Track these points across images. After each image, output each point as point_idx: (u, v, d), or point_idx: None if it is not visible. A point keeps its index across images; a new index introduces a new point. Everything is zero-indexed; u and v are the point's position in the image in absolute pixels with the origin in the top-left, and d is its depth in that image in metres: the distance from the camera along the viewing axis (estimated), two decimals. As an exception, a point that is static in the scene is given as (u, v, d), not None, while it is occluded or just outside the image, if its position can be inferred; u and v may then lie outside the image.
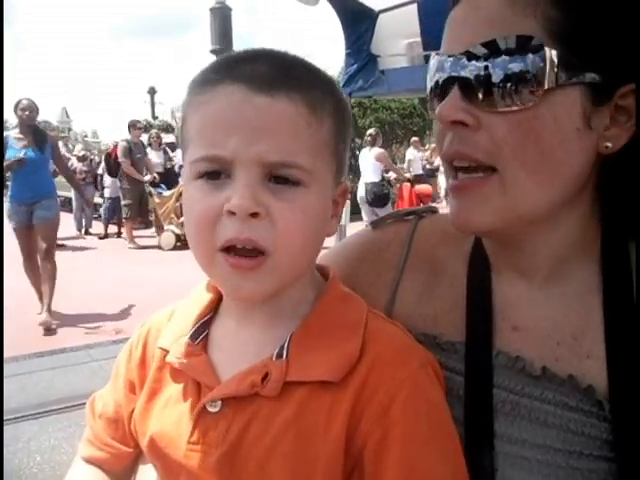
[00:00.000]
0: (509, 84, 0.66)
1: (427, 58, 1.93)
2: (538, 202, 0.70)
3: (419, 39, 1.82)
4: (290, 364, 0.69)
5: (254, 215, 0.63)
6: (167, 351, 0.78)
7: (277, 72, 0.66)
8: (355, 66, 1.86)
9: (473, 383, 0.76)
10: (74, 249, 11.21)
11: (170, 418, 0.75)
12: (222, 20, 8.97)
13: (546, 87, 0.65)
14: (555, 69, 0.65)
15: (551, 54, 0.65)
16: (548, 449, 0.71)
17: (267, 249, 0.65)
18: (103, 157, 13.24)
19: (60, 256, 10.29)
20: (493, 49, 0.66)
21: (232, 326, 0.77)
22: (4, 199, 5.89)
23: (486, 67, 0.67)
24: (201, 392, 0.73)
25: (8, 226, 5.89)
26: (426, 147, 16.11)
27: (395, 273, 0.89)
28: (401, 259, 0.90)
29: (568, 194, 0.71)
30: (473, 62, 0.67)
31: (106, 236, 12.19)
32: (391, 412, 0.65)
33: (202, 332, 0.78)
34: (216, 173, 0.66)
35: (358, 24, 1.87)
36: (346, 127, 0.75)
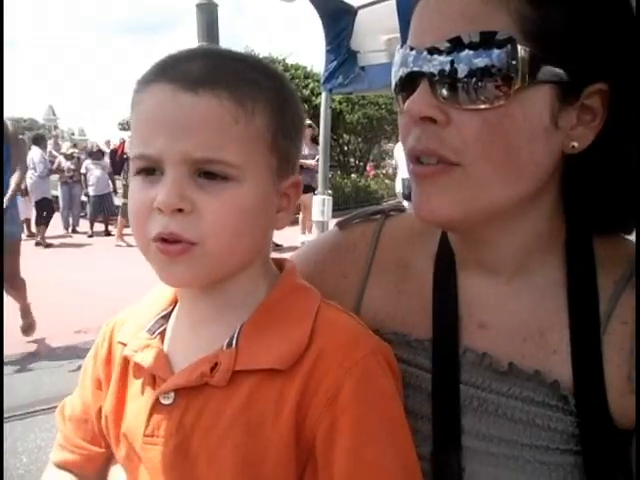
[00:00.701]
0: (479, 81, 0.65)
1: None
2: (501, 197, 0.70)
3: (398, 35, 1.82)
4: (239, 353, 0.70)
5: (180, 210, 0.65)
6: (125, 345, 0.79)
7: (206, 70, 0.67)
8: (335, 62, 1.86)
9: (440, 380, 0.77)
10: (62, 247, 11.16)
11: (131, 413, 0.76)
12: (208, 16, 8.91)
13: (517, 86, 0.65)
14: (526, 67, 0.64)
15: (522, 52, 0.64)
16: (515, 444, 0.72)
17: (195, 241, 0.66)
18: (108, 153, 13.24)
19: (48, 254, 10.25)
20: (463, 44, 0.65)
21: (184, 318, 0.78)
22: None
23: (455, 63, 0.66)
24: (156, 385, 0.74)
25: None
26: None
27: (362, 273, 0.89)
28: (368, 259, 0.89)
29: (532, 190, 0.71)
30: (443, 57, 0.66)
31: (92, 235, 12.14)
32: (339, 400, 0.66)
33: (160, 326, 0.79)
34: (151, 169, 0.67)
35: (337, 20, 1.87)
36: (290, 122, 0.74)
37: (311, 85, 18.45)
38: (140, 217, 0.68)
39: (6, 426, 3.69)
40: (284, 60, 19.45)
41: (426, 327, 0.80)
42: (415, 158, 0.71)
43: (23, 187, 11.29)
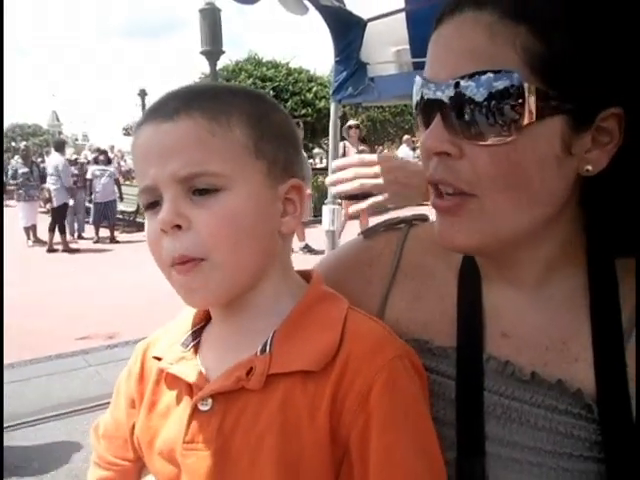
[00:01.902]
0: (488, 119, 0.66)
1: (415, 65, 1.97)
2: (517, 225, 0.72)
3: (407, 46, 1.84)
4: (273, 358, 0.72)
5: (178, 227, 0.70)
6: (160, 359, 0.82)
7: (181, 102, 0.73)
8: (344, 74, 1.89)
9: (464, 387, 0.78)
10: (69, 252, 11.20)
11: (168, 424, 0.79)
12: (211, 21, 8.95)
13: (525, 122, 0.65)
14: (534, 103, 0.65)
15: (530, 89, 0.65)
16: (539, 451, 0.73)
17: (201, 256, 0.70)
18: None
19: (53, 260, 10.28)
20: (474, 82, 0.66)
21: (219, 330, 0.81)
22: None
23: (466, 100, 0.67)
24: (193, 394, 0.76)
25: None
26: (418, 145, 16.10)
27: (386, 281, 0.90)
28: (392, 268, 0.91)
29: (548, 215, 0.73)
30: (455, 93, 0.67)
31: (98, 240, 12.18)
32: (370, 400, 0.68)
33: (194, 339, 0.83)
34: (155, 202, 0.73)
35: (347, 32, 1.89)
36: (276, 128, 0.78)
37: (315, 88, 18.46)
38: (154, 246, 0.73)
39: (17, 433, 3.72)
40: (287, 64, 19.47)
41: (448, 334, 0.81)
42: (434, 186, 0.74)
43: (47, 195, 11.35)
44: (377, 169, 1.45)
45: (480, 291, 0.83)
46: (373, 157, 1.53)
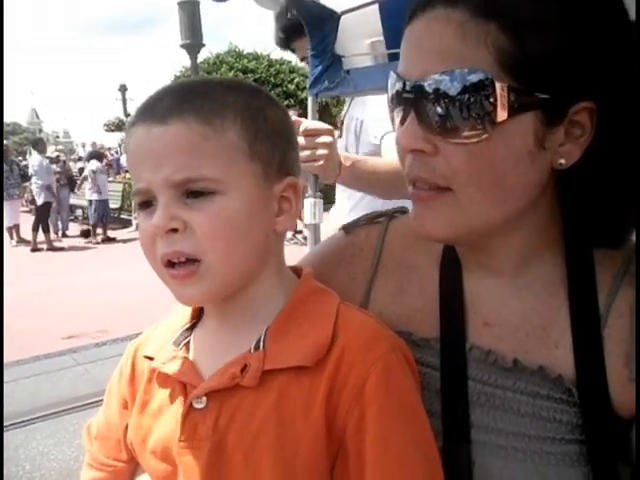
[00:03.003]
0: (461, 118, 0.67)
1: (391, 56, 1.97)
2: (491, 218, 0.73)
3: (382, 38, 1.85)
4: (267, 354, 0.73)
5: (174, 230, 0.71)
6: (152, 359, 0.83)
7: (174, 102, 0.73)
8: (320, 67, 1.89)
9: (449, 377, 0.80)
10: (54, 251, 11.11)
11: (162, 423, 0.79)
12: (190, 14, 8.87)
13: (498, 121, 0.66)
14: (506, 101, 0.65)
15: (502, 87, 0.65)
16: (523, 436, 0.75)
17: (196, 256, 0.71)
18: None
19: (38, 259, 10.20)
20: (445, 82, 0.67)
21: (211, 328, 0.82)
22: None
23: (439, 99, 0.67)
24: (187, 392, 0.77)
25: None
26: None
27: (368, 275, 0.92)
28: (374, 261, 0.92)
29: (522, 208, 0.74)
30: (427, 91, 0.68)
31: (98, 241, 11.99)
32: (365, 392, 0.70)
33: (185, 338, 0.83)
34: (148, 202, 0.73)
35: (321, 26, 1.89)
36: (270, 127, 0.77)
37: (296, 79, 18.35)
38: (147, 246, 0.74)
39: (7, 434, 3.71)
40: (268, 55, 19.34)
41: (431, 325, 0.83)
42: (411, 181, 0.76)
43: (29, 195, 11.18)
44: (318, 140, 1.49)
45: (461, 281, 0.84)
46: (317, 125, 1.55)
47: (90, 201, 12.12)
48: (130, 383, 0.87)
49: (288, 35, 2.22)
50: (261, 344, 0.75)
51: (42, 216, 11.17)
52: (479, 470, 0.76)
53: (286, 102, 16.92)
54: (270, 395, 0.72)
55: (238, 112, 0.74)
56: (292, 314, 0.77)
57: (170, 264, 0.72)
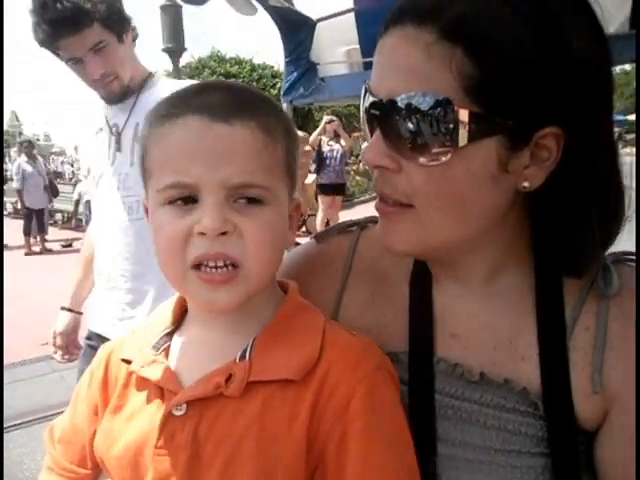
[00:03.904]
0: (424, 139, 0.67)
1: (366, 65, 1.98)
2: (453, 237, 0.74)
3: (357, 46, 1.86)
4: (253, 365, 0.73)
5: (224, 233, 0.69)
6: (130, 362, 0.81)
7: (231, 101, 0.72)
8: (295, 74, 1.90)
9: (416, 391, 0.80)
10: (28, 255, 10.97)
11: (136, 428, 0.77)
12: (172, 18, 8.84)
13: (459, 145, 0.66)
14: (468, 126, 0.66)
15: (464, 112, 0.65)
16: (489, 450, 0.76)
17: (238, 260, 0.70)
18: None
19: (13, 264, 10.06)
20: (410, 104, 0.67)
21: (196, 334, 0.81)
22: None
23: (403, 119, 0.68)
24: (165, 398, 0.76)
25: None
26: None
27: (339, 285, 0.91)
28: (344, 271, 0.92)
29: (486, 226, 0.75)
30: (392, 111, 0.68)
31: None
32: (349, 410, 0.70)
33: (165, 343, 0.82)
34: (183, 198, 0.71)
35: (296, 33, 1.90)
36: (296, 147, 0.79)
37: (279, 84, 18.38)
38: (177, 245, 0.71)
39: (-20, 443, 3.64)
40: (251, 60, 19.36)
41: (400, 339, 0.83)
42: (377, 195, 0.76)
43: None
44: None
45: (431, 293, 0.84)
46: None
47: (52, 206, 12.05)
48: (102, 387, 0.85)
49: (56, 30, 1.74)
50: (247, 354, 0.74)
51: (38, 219, 11.11)
52: None
53: (269, 107, 16.91)
54: (253, 406, 0.72)
55: (285, 128, 0.76)
56: (280, 327, 0.77)
57: (199, 267, 0.70)
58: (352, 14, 1.79)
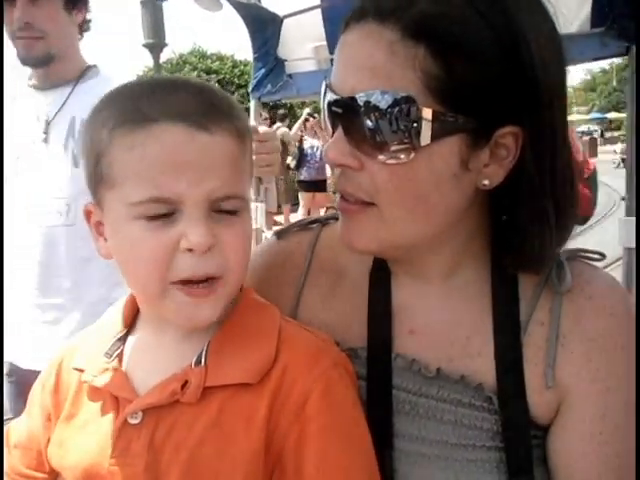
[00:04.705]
0: (386, 138, 0.67)
1: (333, 61, 1.97)
2: (414, 234, 0.74)
3: (324, 43, 1.86)
4: (209, 370, 0.72)
5: (209, 248, 0.67)
6: (82, 371, 0.79)
7: (206, 106, 0.69)
8: (263, 70, 1.90)
9: (374, 386, 0.80)
10: None
11: (90, 437, 0.76)
12: (153, 12, 8.75)
13: (422, 143, 0.67)
14: (431, 125, 0.66)
15: (427, 111, 0.65)
16: (445, 444, 0.76)
17: (221, 273, 0.69)
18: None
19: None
20: (372, 102, 0.66)
21: (149, 339, 0.79)
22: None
23: (366, 117, 0.67)
24: (119, 406, 0.74)
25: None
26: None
27: (298, 282, 0.91)
28: (304, 268, 0.92)
29: (447, 223, 0.75)
30: (353, 109, 0.68)
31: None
32: (306, 409, 0.69)
33: (117, 349, 0.80)
34: (164, 215, 0.67)
35: (263, 29, 1.90)
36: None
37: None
38: (160, 261, 0.67)
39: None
40: (233, 56, 19.26)
41: (359, 335, 0.83)
42: (339, 193, 0.76)
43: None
44: (269, 145, 1.47)
45: (390, 289, 0.85)
46: (266, 132, 1.55)
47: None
48: (54, 395, 0.83)
49: None
50: (202, 359, 0.72)
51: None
52: (401, 478, 0.77)
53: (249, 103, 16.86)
54: (210, 410, 0.71)
55: (249, 130, 0.74)
56: (234, 329, 0.76)
57: (184, 282, 0.68)
58: (319, 10, 1.79)
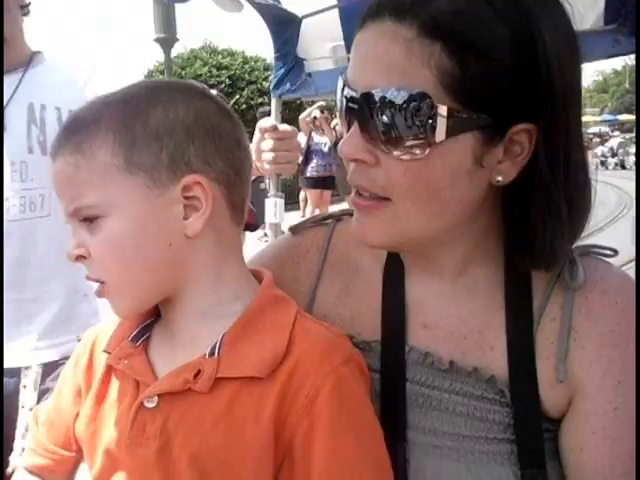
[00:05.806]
0: (401, 134, 0.69)
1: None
2: (427, 229, 0.77)
3: (342, 42, 1.89)
4: (221, 361, 0.75)
5: (83, 257, 0.77)
6: (109, 353, 0.84)
7: (60, 136, 0.78)
8: (283, 69, 1.94)
9: (388, 379, 0.83)
10: None
11: (111, 417, 0.81)
12: (165, 7, 8.74)
13: (437, 140, 0.68)
14: (446, 121, 0.67)
15: (442, 108, 0.67)
16: (457, 436, 0.79)
17: (99, 279, 0.78)
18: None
19: None
20: (388, 98, 0.68)
21: (168, 328, 0.84)
22: None
23: (382, 113, 0.69)
24: (139, 390, 0.79)
25: None
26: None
27: (314, 276, 0.94)
28: (319, 262, 0.95)
29: (460, 220, 0.78)
30: (370, 105, 0.70)
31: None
32: (316, 404, 0.72)
33: (144, 334, 0.85)
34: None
35: (283, 29, 1.94)
36: (147, 131, 0.74)
37: (271, 77, 18.31)
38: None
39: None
40: (243, 52, 19.24)
41: (374, 328, 0.86)
42: (353, 188, 0.79)
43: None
44: (290, 143, 1.49)
45: (404, 284, 0.87)
46: (286, 129, 1.55)
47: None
48: (87, 371, 0.88)
49: None
50: (216, 350, 0.76)
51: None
52: (414, 471, 0.79)
53: (260, 100, 16.87)
54: (221, 401, 0.74)
55: (110, 128, 0.74)
56: (250, 322, 0.78)
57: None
58: (336, 10, 1.82)
